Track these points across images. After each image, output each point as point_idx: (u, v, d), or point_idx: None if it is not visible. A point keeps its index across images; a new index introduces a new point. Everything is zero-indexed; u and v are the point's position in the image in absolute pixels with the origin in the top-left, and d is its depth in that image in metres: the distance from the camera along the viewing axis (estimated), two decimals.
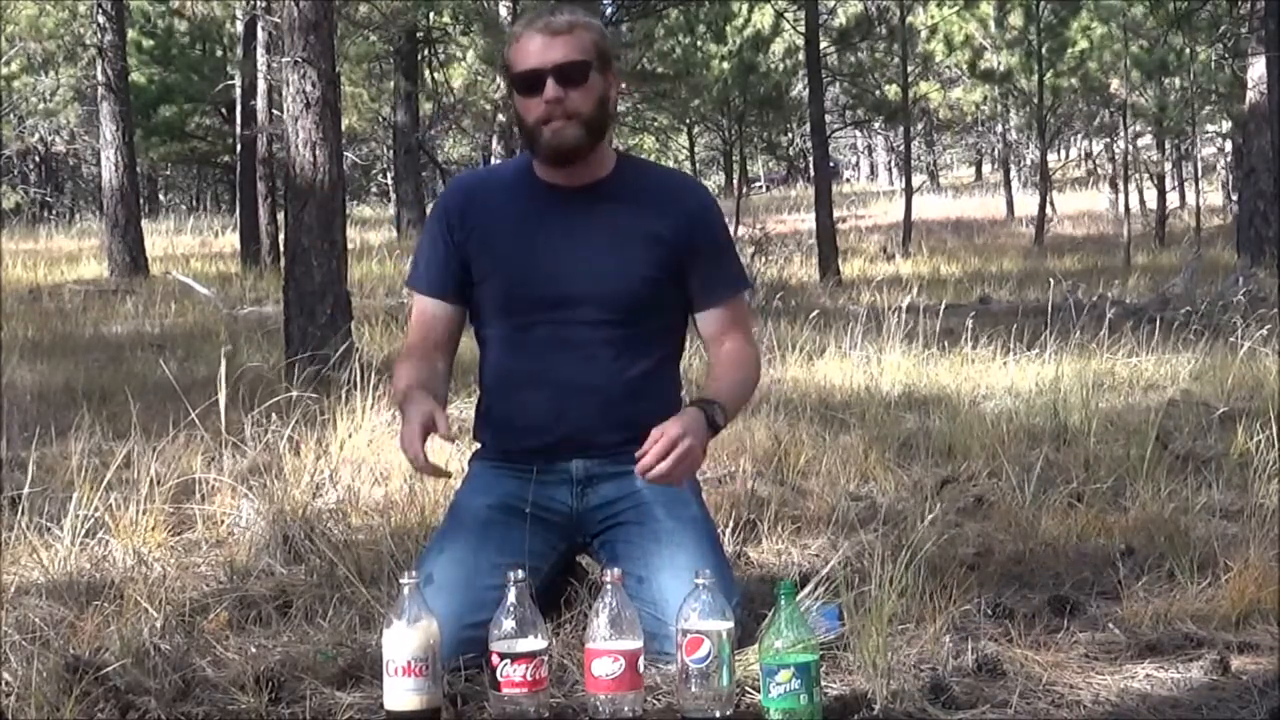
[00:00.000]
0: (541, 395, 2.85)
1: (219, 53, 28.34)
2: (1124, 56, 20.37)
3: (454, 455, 4.22)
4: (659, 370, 2.93)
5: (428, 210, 20.77)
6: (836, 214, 18.04)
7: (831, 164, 25.21)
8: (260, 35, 17.45)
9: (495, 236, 2.86)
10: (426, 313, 2.94)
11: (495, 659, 2.39)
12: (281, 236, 10.86)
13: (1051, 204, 25.61)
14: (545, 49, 2.76)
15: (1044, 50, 22.52)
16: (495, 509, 2.82)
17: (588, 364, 2.83)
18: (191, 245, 22.74)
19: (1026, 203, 28.67)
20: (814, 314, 8.67)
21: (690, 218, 2.89)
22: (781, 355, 6.99)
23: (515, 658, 2.37)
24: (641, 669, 2.40)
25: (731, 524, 3.61)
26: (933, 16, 24.84)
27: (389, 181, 33.84)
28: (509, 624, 2.39)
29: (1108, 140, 26.86)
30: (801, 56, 20.90)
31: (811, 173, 25.91)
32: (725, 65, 23.37)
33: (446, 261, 2.91)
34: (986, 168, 43.15)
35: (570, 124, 2.77)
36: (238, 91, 20.46)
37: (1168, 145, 24.18)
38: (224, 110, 27.17)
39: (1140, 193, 26.72)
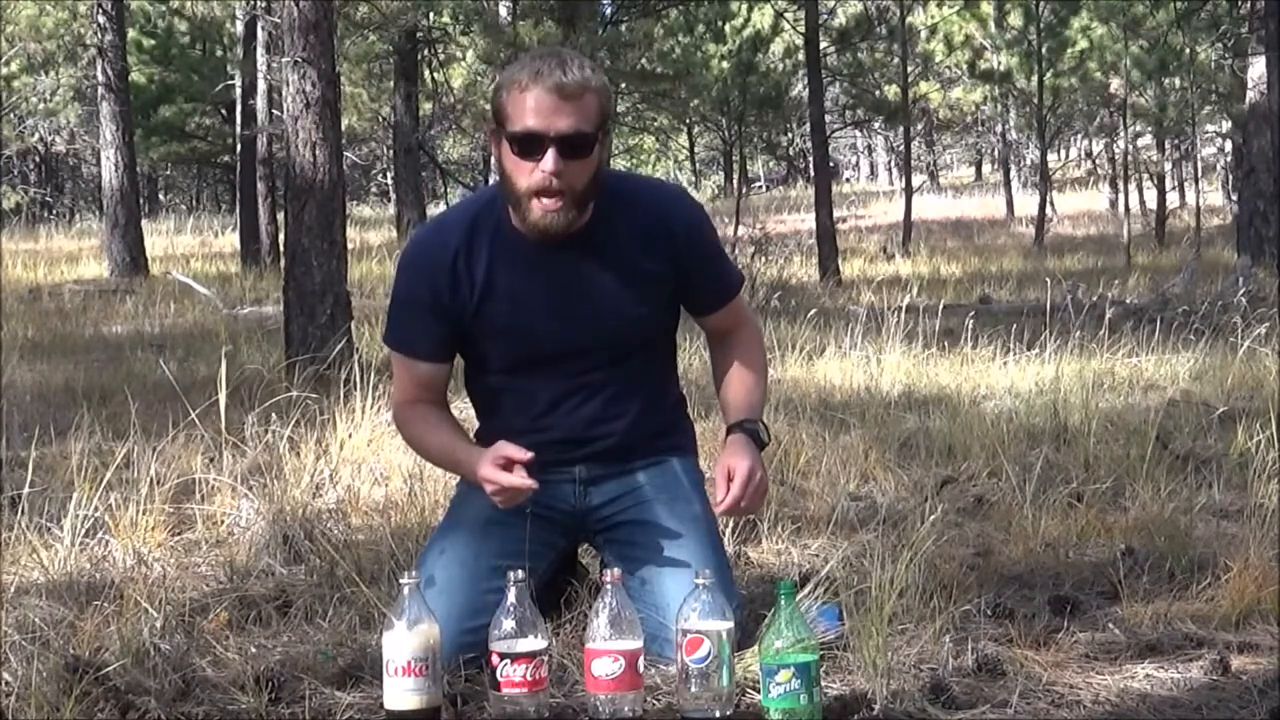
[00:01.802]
0: (545, 438, 2.81)
1: (219, 53, 28.38)
2: (1124, 56, 20.36)
3: None
4: (660, 383, 2.93)
5: (428, 211, 20.78)
6: (836, 214, 18.03)
7: (831, 164, 25.21)
8: (260, 35, 17.47)
9: (491, 304, 2.75)
10: (420, 374, 2.84)
11: (495, 659, 2.39)
12: (281, 236, 10.86)
13: (1051, 204, 25.61)
14: (553, 113, 2.56)
15: (1044, 50, 22.52)
16: (496, 508, 2.81)
17: (589, 408, 2.81)
18: (191, 245, 22.74)
19: (1026, 203, 28.67)
20: (814, 314, 8.67)
21: (678, 243, 2.77)
22: (781, 355, 6.99)
23: (515, 658, 2.37)
24: (641, 669, 2.40)
25: (731, 524, 3.60)
26: (933, 16, 24.86)
27: (389, 181, 33.84)
28: (509, 624, 2.39)
29: (1108, 140, 26.87)
30: (801, 56, 20.90)
31: (811, 173, 25.91)
32: (725, 65, 23.39)
33: (435, 327, 2.78)
34: (986, 168, 43.14)
35: (562, 206, 2.60)
36: (238, 91, 20.47)
37: (1168, 145, 24.18)
38: (224, 110, 27.21)
39: (1140, 193, 26.74)
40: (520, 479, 2.63)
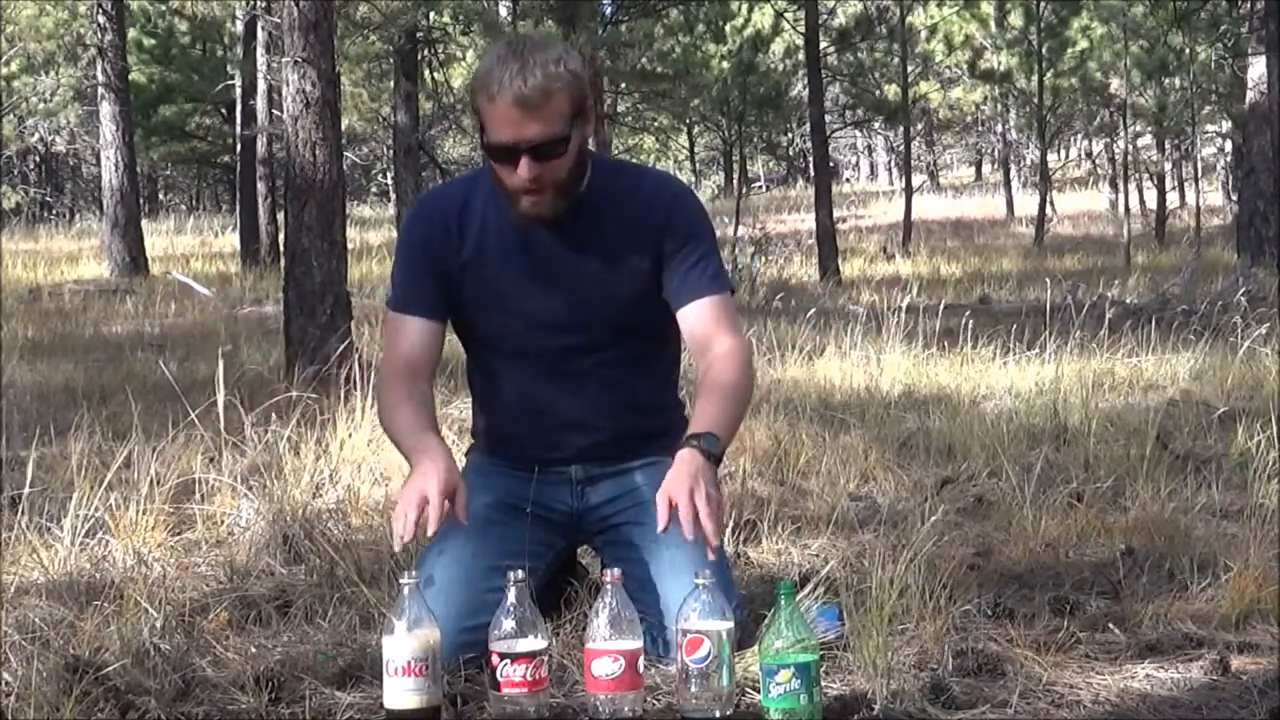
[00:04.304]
0: (538, 425, 2.83)
1: (219, 53, 28.38)
2: (1124, 56, 20.37)
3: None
4: (657, 382, 2.93)
5: None
6: (836, 214, 18.06)
7: (831, 164, 25.21)
8: (260, 35, 17.48)
9: (479, 267, 2.78)
10: (412, 334, 2.82)
11: (495, 659, 2.39)
12: (281, 236, 10.87)
13: (1051, 204, 25.63)
14: (520, 124, 2.59)
15: (1044, 50, 22.54)
16: (495, 508, 2.81)
17: (582, 393, 2.81)
18: (191, 245, 22.76)
19: (1026, 203, 28.70)
20: (814, 314, 8.67)
21: (661, 223, 2.77)
22: (781, 355, 6.99)
23: (515, 658, 2.37)
24: (641, 669, 2.40)
25: (731, 524, 3.60)
26: (933, 16, 24.88)
27: (389, 181, 33.84)
28: (509, 624, 2.39)
29: (1108, 140, 26.87)
30: (801, 56, 20.91)
31: (811, 173, 25.91)
32: (725, 65, 23.39)
33: (431, 286, 2.80)
34: (986, 168, 43.14)
35: (546, 198, 2.66)
36: (238, 91, 20.49)
37: (1168, 145, 24.19)
38: (224, 110, 27.21)
39: (1140, 193, 26.76)
40: (408, 517, 2.48)
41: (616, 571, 2.44)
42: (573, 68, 2.66)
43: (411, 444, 2.68)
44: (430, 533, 2.53)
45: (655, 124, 31.26)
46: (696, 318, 2.78)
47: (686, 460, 2.56)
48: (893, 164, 44.11)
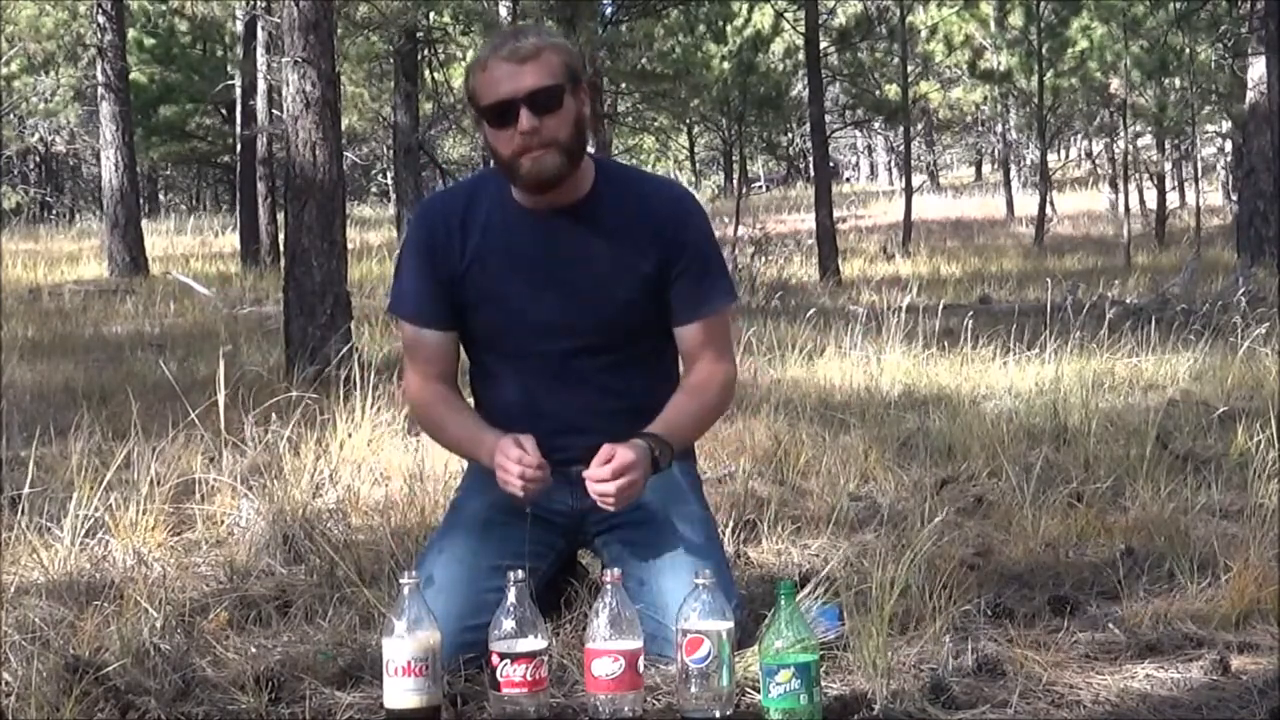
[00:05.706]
0: (539, 428, 2.80)
1: (219, 53, 28.39)
2: (1124, 56, 20.36)
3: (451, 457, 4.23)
4: (656, 384, 2.91)
5: None
6: (836, 214, 18.06)
7: (831, 164, 25.21)
8: (260, 35, 17.48)
9: (481, 270, 2.79)
10: (431, 344, 2.85)
11: (495, 659, 2.39)
12: (281, 236, 10.87)
13: (1051, 204, 25.62)
14: (514, 77, 2.64)
15: (1044, 50, 22.52)
16: (495, 509, 2.81)
17: (582, 395, 2.81)
18: (191, 245, 22.73)
19: (1026, 203, 28.68)
20: (814, 314, 8.67)
21: (665, 238, 2.79)
22: (781, 355, 6.99)
23: (515, 658, 2.37)
24: (641, 669, 2.40)
25: (731, 524, 3.60)
26: (933, 16, 24.86)
27: (389, 181, 33.86)
28: (509, 624, 2.39)
29: (1108, 140, 26.87)
30: (801, 56, 20.91)
31: (811, 173, 25.91)
32: (725, 65, 23.37)
33: (438, 292, 2.82)
34: (986, 168, 43.13)
35: (549, 152, 2.66)
36: (238, 91, 20.48)
37: (1168, 145, 24.18)
38: (224, 110, 27.23)
39: (1140, 193, 26.73)
40: (530, 459, 2.61)
41: (616, 571, 2.44)
42: (564, 43, 2.75)
43: (479, 439, 2.77)
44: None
45: (655, 124, 31.26)
46: (691, 337, 2.86)
47: (641, 448, 2.65)
48: (893, 164, 44.08)
